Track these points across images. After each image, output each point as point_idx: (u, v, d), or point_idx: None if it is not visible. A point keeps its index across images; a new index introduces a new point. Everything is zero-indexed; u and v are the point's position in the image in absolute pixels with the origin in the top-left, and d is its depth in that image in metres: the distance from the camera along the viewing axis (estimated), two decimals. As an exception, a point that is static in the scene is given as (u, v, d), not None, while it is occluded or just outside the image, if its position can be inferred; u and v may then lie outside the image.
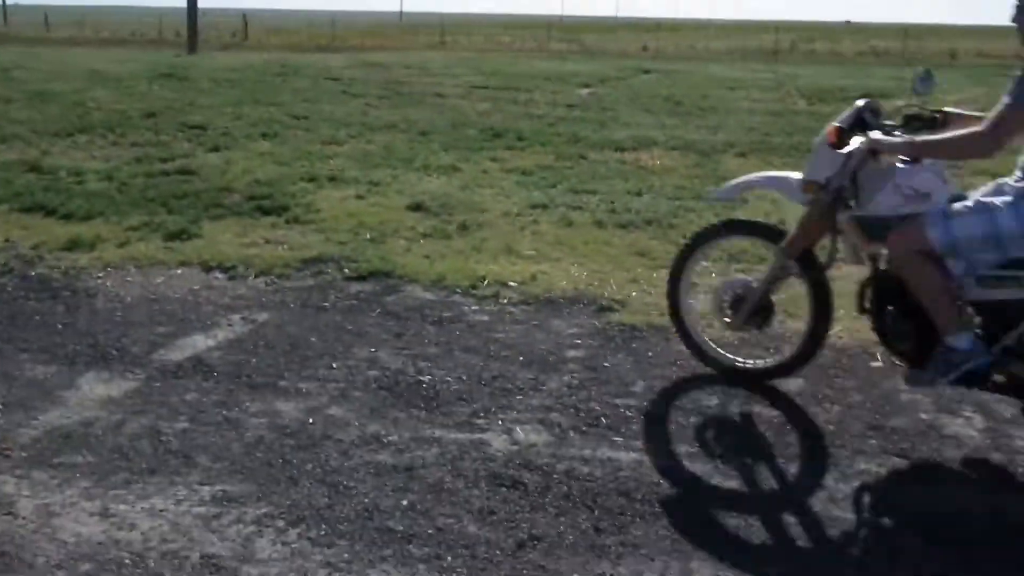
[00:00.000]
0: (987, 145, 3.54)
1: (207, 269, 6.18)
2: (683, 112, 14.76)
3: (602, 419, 4.07)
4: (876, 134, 3.88)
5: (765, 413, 4.18)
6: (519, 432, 3.96)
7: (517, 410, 4.15)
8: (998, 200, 3.66)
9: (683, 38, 57.84)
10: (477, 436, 3.90)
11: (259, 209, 7.66)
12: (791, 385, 4.44)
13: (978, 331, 3.78)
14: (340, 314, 5.38)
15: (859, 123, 4.02)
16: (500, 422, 4.03)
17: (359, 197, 8.18)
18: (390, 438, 3.87)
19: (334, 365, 4.63)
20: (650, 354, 4.84)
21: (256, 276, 6.06)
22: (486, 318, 5.32)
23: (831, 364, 4.67)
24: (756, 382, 4.44)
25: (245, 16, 57.97)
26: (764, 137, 12.26)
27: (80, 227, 7.10)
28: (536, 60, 27.13)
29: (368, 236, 6.96)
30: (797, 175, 4.23)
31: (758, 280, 4.44)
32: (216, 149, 10.48)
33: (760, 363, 4.56)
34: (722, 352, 4.62)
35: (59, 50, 35.90)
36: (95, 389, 4.35)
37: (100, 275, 6.07)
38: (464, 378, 4.47)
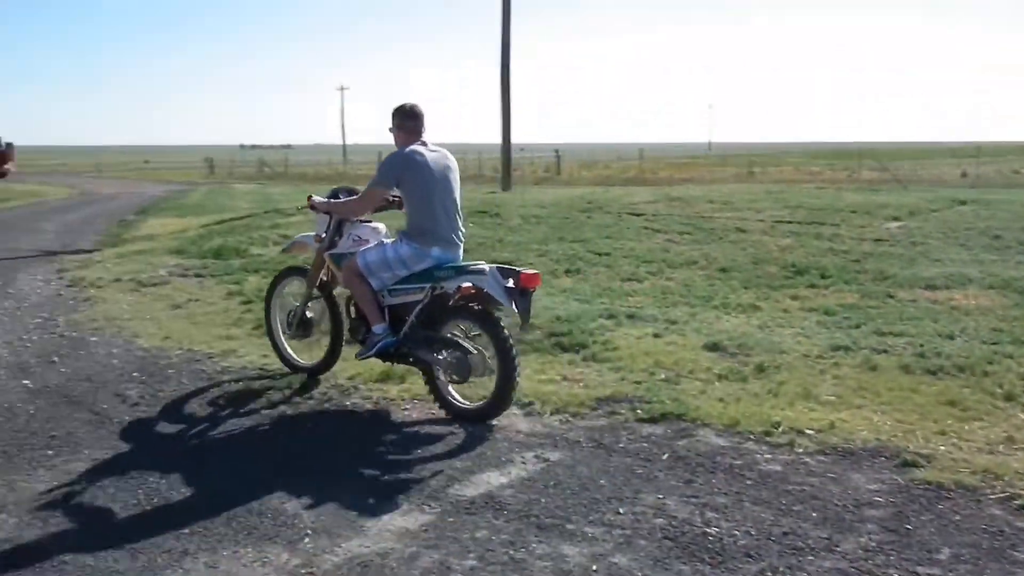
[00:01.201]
0: (361, 207, 6.74)
1: (505, 405, 6.40)
2: (1002, 247, 13.89)
3: (900, 587, 3.83)
4: (316, 197, 7.04)
5: None
6: (808, 595, 3.79)
7: (807, 572, 3.98)
8: (388, 241, 6.60)
9: (1007, 163, 54.79)
10: (763, 596, 3.76)
11: (558, 346, 7.87)
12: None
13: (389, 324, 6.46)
14: (631, 457, 5.40)
15: (334, 195, 7.05)
16: (789, 583, 3.87)
17: (656, 335, 8.24)
18: (673, 592, 3.81)
19: (621, 510, 4.63)
20: (958, 517, 4.52)
21: (551, 413, 6.21)
22: (779, 468, 5.17)
23: None
24: (312, 374, 7.22)
25: (558, 152, 60.54)
26: (1098, 275, 11.29)
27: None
28: (844, 191, 26.50)
29: (663, 376, 6.98)
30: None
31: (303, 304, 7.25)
32: (521, 285, 10.93)
33: (310, 363, 7.32)
34: (293, 355, 7.49)
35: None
36: (394, 520, 4.58)
37: (407, 407, 6.42)
38: (753, 532, 4.35)
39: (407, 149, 6.31)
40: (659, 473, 5.13)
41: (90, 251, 15.81)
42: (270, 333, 7.60)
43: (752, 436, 5.67)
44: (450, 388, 6.28)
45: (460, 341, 6.16)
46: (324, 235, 6.94)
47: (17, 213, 25.48)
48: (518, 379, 6.11)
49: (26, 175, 57.20)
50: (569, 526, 4.47)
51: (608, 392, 6.59)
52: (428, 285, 6.23)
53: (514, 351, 6.01)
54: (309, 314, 7.24)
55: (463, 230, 6.44)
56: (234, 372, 7.44)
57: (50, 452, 5.64)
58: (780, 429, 5.75)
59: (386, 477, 5.15)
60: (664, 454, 5.42)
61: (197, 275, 12.38)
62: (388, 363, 6.72)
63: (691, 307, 9.53)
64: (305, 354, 7.41)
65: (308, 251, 7.29)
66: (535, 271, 6.11)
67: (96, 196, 34.39)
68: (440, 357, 6.19)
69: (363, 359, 6.59)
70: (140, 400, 6.75)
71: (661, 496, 4.81)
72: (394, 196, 6.68)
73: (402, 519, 4.59)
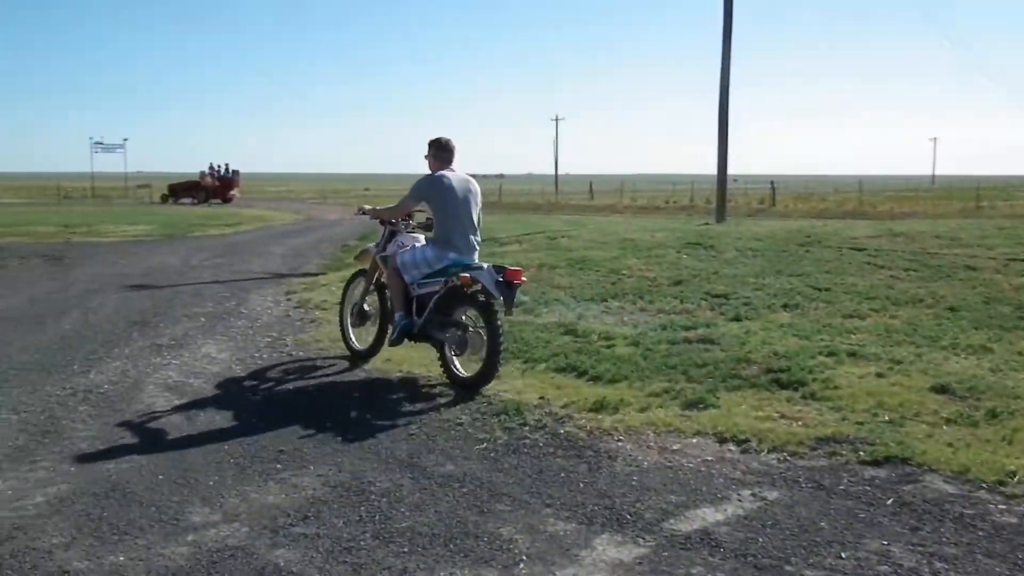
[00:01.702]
0: (392, 214, 8.67)
1: (721, 440, 6.31)
2: None
3: None
4: (365, 207, 9.12)
5: None
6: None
7: (1048, 632, 3.74)
8: (419, 245, 8.35)
9: None
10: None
11: (776, 382, 7.70)
12: None
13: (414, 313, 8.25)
14: (852, 499, 5.23)
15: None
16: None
17: (879, 375, 7.94)
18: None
19: (843, 555, 4.49)
20: None
21: (768, 451, 6.07)
22: (1015, 520, 4.89)
23: None
24: (365, 357, 8.95)
25: (773, 183, 59.34)
26: None
27: (607, 390, 7.59)
28: (1087, 228, 24.79)
29: (886, 418, 6.72)
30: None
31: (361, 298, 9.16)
32: (737, 319, 10.73)
33: (363, 348, 9.07)
34: (355, 341, 9.18)
35: (599, 217, 38.98)
36: (608, 551, 4.59)
37: (621, 438, 6.42)
38: (987, 587, 4.12)
39: (437, 173, 8.07)
40: (883, 518, 4.94)
41: (315, 274, 16.56)
42: (341, 323, 9.41)
43: (984, 485, 5.38)
44: (454, 360, 7.88)
45: (463, 323, 7.89)
46: (380, 243, 8.85)
47: (247, 237, 26.92)
48: (501, 360, 7.78)
49: (253, 200, 62.40)
50: (788, 568, 4.36)
51: (828, 431, 6.39)
52: (443, 279, 7.94)
53: (501, 335, 7.65)
54: (366, 307, 9.14)
55: (479, 239, 8.22)
56: (449, 396, 7.63)
57: (279, 466, 5.93)
58: (1016, 479, 5.43)
59: (599, 507, 5.16)
60: (888, 499, 5.22)
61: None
62: (411, 342, 8.38)
63: (917, 347, 9.14)
64: (362, 341, 9.13)
65: (372, 257, 9.03)
66: (518, 268, 7.72)
67: (320, 222, 35.97)
68: (447, 335, 7.90)
69: (392, 344, 8.39)
70: (362, 418, 7.02)
71: (886, 542, 4.63)
72: (419, 211, 8.67)
73: (616, 551, 4.59)
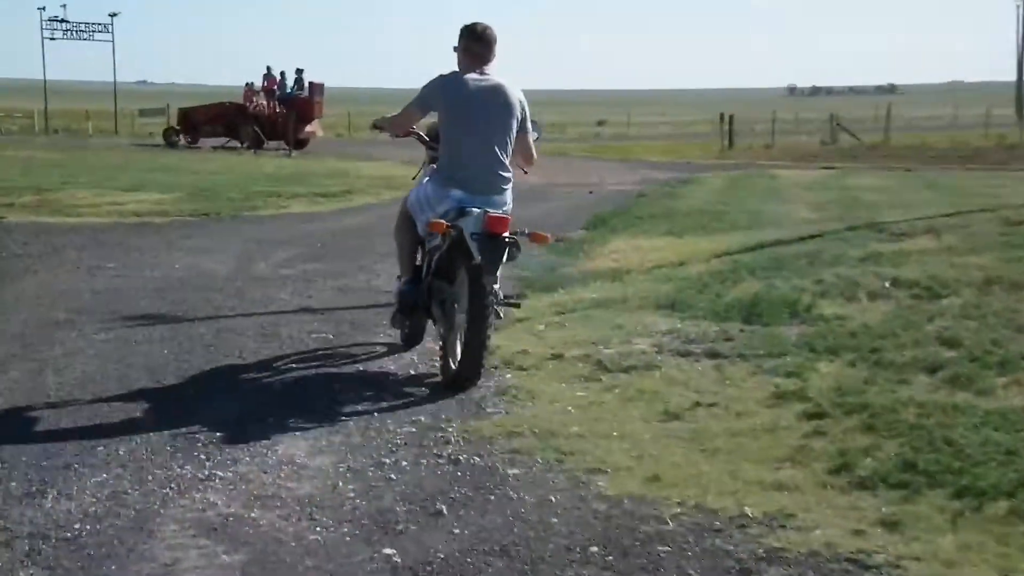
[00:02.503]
0: (391, 126, 6.39)
1: None
2: None
3: None
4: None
5: None
6: None
7: None
8: (426, 179, 6.29)
9: None
10: None
11: None
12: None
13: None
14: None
15: None
16: None
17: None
18: None
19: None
20: None
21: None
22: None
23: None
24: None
25: None
26: None
27: None
28: None
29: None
30: None
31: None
32: None
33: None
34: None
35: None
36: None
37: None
38: None
39: (452, 73, 6.05)
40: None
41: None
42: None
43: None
44: (455, 346, 5.88)
45: (453, 292, 5.93)
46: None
47: (371, 219, 14.43)
48: (486, 351, 5.77)
49: (346, 144, 39.32)
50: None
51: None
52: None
53: (487, 313, 5.64)
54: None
55: (504, 175, 6.00)
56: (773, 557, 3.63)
57: None
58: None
59: None
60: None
61: (712, 354, 6.46)
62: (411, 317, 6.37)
63: None
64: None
65: None
66: (507, 216, 5.77)
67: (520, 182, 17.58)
68: (436, 311, 6.10)
69: (393, 326, 6.63)
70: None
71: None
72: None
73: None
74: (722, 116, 40.10)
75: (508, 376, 6.16)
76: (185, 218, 14.28)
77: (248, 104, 33.09)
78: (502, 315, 6.28)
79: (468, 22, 6.15)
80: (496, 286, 5.75)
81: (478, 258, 5.60)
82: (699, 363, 6.30)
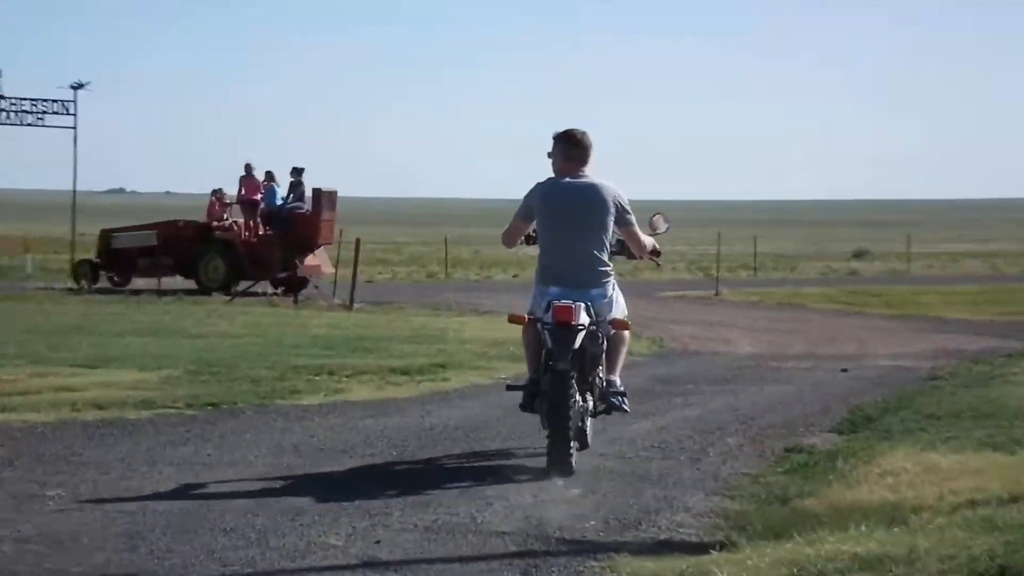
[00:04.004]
0: (504, 240, 7.12)
1: None
2: None
3: None
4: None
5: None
6: None
7: None
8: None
9: None
10: None
11: None
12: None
13: None
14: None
15: None
16: None
17: None
18: None
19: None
20: None
21: None
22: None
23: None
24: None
25: None
26: None
27: None
28: None
29: None
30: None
31: None
32: None
33: None
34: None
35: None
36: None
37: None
38: None
39: (548, 180, 6.59)
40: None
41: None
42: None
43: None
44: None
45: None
46: None
47: (482, 414, 9.17)
48: (571, 444, 6.08)
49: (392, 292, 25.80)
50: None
51: None
52: None
53: (564, 403, 6.03)
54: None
55: (600, 269, 6.51)
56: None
57: None
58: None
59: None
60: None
61: None
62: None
63: None
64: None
65: None
66: (573, 305, 6.10)
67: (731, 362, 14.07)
68: (539, 406, 6.36)
69: (524, 408, 6.61)
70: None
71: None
72: (534, 231, 6.79)
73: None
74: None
75: None
76: (179, 411, 8.96)
77: (214, 222, 23.65)
78: (628, 408, 6.76)
79: (560, 129, 6.66)
80: (615, 378, 6.41)
81: (548, 344, 6.18)
82: None
